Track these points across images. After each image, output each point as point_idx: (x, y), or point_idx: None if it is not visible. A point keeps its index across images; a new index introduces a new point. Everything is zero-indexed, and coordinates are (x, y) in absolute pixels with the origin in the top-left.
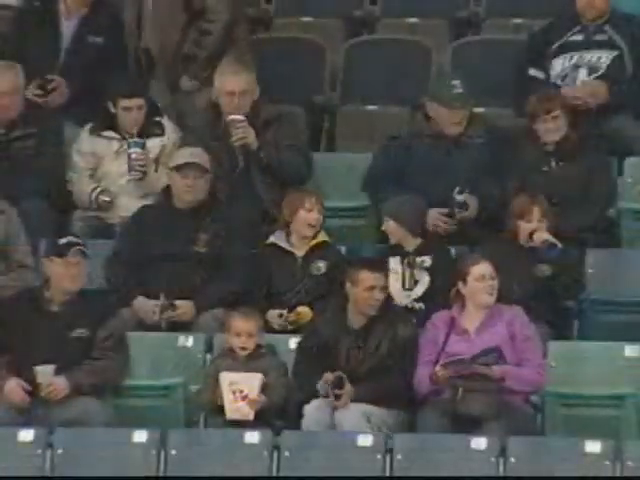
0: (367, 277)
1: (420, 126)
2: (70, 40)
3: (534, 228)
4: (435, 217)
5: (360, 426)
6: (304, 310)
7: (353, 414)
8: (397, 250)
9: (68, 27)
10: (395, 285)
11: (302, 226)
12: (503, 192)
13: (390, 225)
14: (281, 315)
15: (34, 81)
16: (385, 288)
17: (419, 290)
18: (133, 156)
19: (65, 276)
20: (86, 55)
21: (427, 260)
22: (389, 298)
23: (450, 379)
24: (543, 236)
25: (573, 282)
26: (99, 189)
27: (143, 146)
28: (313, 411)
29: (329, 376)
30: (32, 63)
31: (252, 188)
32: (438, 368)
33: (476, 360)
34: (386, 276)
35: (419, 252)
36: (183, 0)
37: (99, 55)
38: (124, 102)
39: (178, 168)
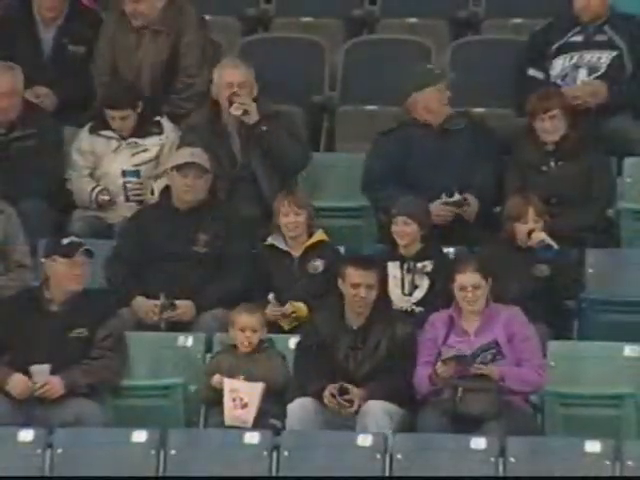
0: (352, 274)
1: (408, 119)
2: (50, 49)
3: (531, 228)
4: (440, 208)
5: (384, 426)
6: (300, 306)
7: (377, 414)
8: (396, 255)
9: (47, 36)
10: (395, 290)
11: (283, 229)
12: (502, 191)
13: (411, 227)
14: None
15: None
16: (372, 286)
17: (418, 295)
18: (129, 186)
19: (69, 276)
20: (69, 64)
21: (428, 265)
22: (387, 298)
23: (450, 379)
24: (540, 236)
25: (572, 282)
26: (99, 188)
27: (138, 175)
28: (297, 410)
29: (332, 388)
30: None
31: (252, 186)
32: (439, 365)
33: (476, 356)
34: (376, 275)
35: (418, 257)
36: (169, 60)
37: (83, 64)
38: (107, 112)
39: (178, 168)
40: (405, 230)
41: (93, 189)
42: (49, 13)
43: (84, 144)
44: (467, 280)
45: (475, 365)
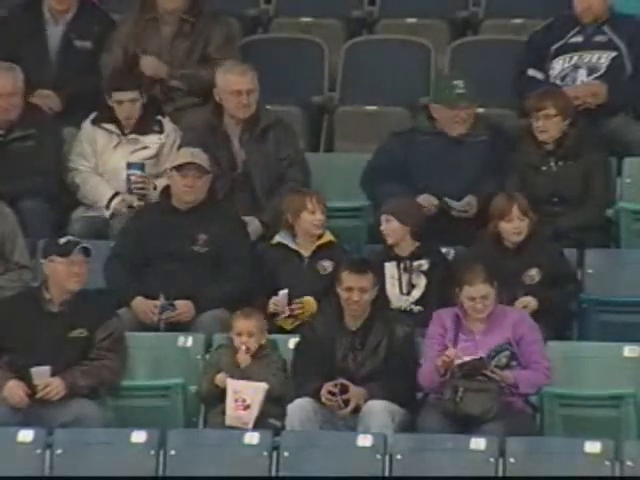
0: (345, 278)
1: (422, 124)
2: (58, 46)
3: (516, 227)
4: (425, 200)
5: (386, 426)
6: (309, 300)
7: (379, 414)
8: (393, 255)
9: (55, 33)
10: (392, 290)
11: (308, 227)
12: (502, 191)
13: (392, 225)
14: (282, 310)
15: None
16: (366, 290)
17: (416, 294)
18: (132, 178)
19: (68, 275)
20: (76, 61)
21: (424, 264)
22: (385, 299)
23: (450, 379)
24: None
25: (573, 289)
26: (119, 198)
27: (142, 168)
28: (296, 410)
29: (330, 386)
30: (23, 69)
31: (252, 191)
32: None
33: (490, 359)
34: (370, 278)
35: (413, 256)
36: (202, 49)
37: (89, 60)
38: (116, 95)
39: (178, 168)
40: (388, 227)
41: (112, 198)
42: (59, 6)
43: (88, 134)
44: (477, 292)
45: (490, 369)
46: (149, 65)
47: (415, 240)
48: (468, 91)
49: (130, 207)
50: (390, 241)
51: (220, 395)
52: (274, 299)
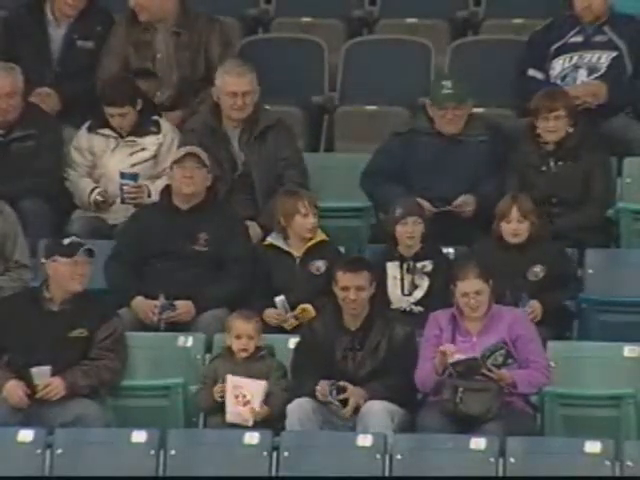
0: (341, 277)
1: (422, 124)
2: (60, 46)
3: (514, 228)
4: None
5: (385, 426)
6: (307, 307)
7: (378, 414)
8: (395, 255)
9: (57, 34)
10: (394, 291)
11: (300, 230)
12: (501, 191)
13: (421, 227)
14: (285, 319)
15: None
16: (362, 288)
17: (418, 295)
18: (125, 189)
19: (72, 276)
20: (77, 61)
21: (428, 265)
22: (385, 299)
23: (449, 379)
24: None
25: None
26: (98, 190)
27: (135, 178)
28: (296, 410)
29: (325, 385)
30: (24, 69)
31: (250, 189)
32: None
33: (486, 359)
34: (366, 276)
35: (418, 257)
36: (205, 59)
37: (91, 60)
38: (107, 109)
39: (177, 161)
40: (416, 230)
41: (92, 190)
42: (69, 10)
43: (82, 142)
44: (469, 287)
45: (487, 368)
46: None
47: (421, 241)
48: (456, 92)
49: (104, 200)
50: (410, 242)
51: (221, 406)
52: (274, 311)
